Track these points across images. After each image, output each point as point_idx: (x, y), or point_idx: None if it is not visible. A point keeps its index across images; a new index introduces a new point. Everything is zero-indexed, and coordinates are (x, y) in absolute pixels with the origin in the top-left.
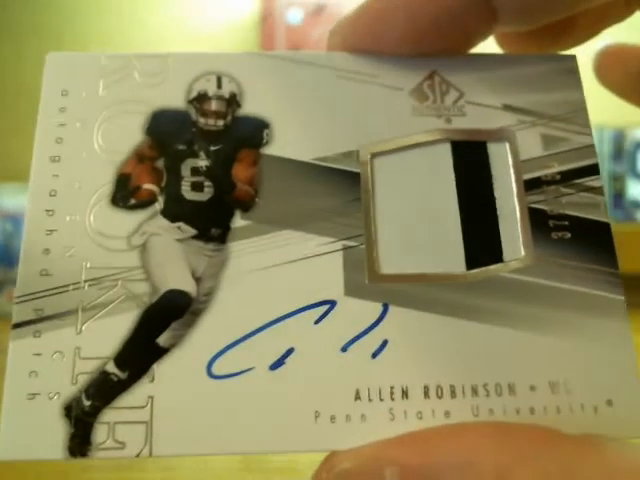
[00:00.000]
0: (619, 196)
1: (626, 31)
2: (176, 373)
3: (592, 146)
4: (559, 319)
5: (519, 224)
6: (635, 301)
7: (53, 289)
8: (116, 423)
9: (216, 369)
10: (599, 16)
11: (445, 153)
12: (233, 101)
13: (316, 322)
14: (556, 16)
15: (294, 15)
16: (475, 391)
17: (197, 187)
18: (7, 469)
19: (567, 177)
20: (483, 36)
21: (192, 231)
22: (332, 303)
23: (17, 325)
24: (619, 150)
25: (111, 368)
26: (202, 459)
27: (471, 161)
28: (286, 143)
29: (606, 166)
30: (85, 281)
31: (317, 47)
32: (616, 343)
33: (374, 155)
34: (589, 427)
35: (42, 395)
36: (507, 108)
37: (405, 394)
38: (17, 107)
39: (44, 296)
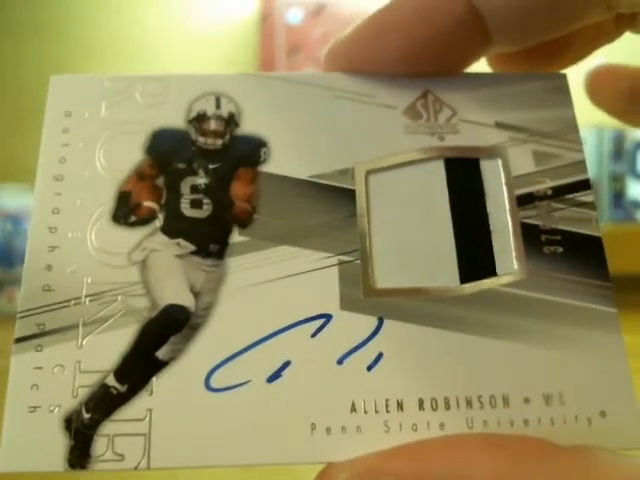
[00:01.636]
0: (619, 196)
1: (616, 52)
2: (175, 386)
3: (583, 162)
4: (552, 332)
5: (512, 239)
6: (635, 301)
7: (55, 304)
8: (115, 436)
9: (214, 382)
10: (589, 37)
11: (438, 170)
12: (231, 121)
13: (312, 335)
14: (548, 36)
15: (294, 15)
16: (469, 403)
17: (196, 204)
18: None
19: (559, 192)
20: (476, 56)
21: (191, 247)
22: (328, 317)
23: (19, 340)
24: (619, 150)
25: (111, 381)
26: None
27: (464, 178)
28: (283, 161)
29: (606, 166)
30: (86, 296)
31: (317, 47)
32: (609, 355)
33: (369, 172)
34: (583, 438)
35: (43, 408)
36: (499, 126)
37: (400, 406)
38: (17, 107)
39: (46, 311)
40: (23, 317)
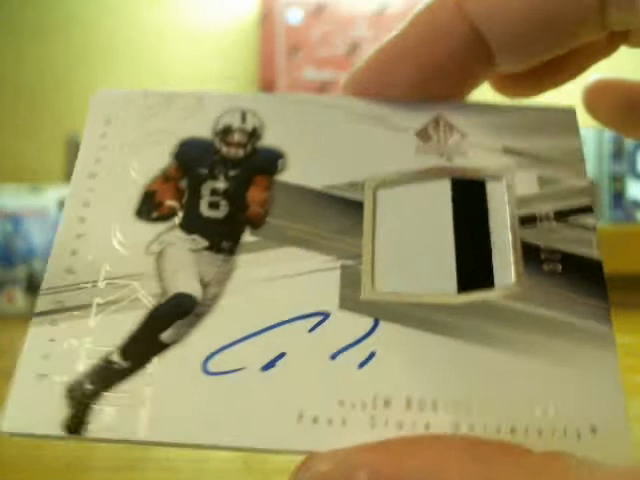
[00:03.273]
0: (619, 196)
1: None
2: (174, 367)
3: (587, 188)
4: (545, 345)
5: (511, 254)
6: (635, 301)
7: (74, 285)
8: (113, 407)
9: (211, 366)
10: (586, 54)
11: (444, 188)
12: (254, 134)
13: (310, 330)
14: (547, 55)
15: (294, 15)
16: (457, 407)
17: (214, 205)
18: (8, 470)
19: (561, 215)
20: (482, 78)
21: (205, 243)
22: (326, 315)
23: (38, 314)
24: (619, 150)
25: (115, 357)
26: (202, 459)
27: (469, 196)
28: (298, 172)
29: (606, 166)
30: (103, 280)
31: (317, 47)
32: (603, 373)
33: (378, 186)
34: (570, 451)
35: (50, 376)
36: (507, 151)
37: (387, 404)
38: (17, 107)
39: (65, 290)
40: (45, 294)
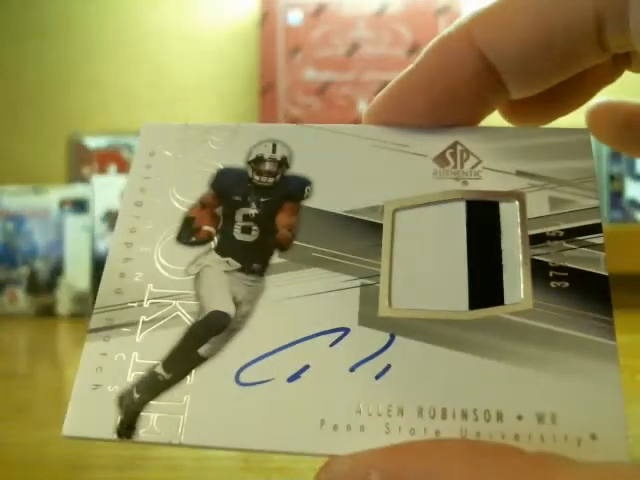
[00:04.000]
0: (617, 196)
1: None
2: (210, 378)
3: (597, 208)
4: (553, 358)
5: (521, 272)
6: (633, 301)
7: (122, 304)
8: (157, 414)
9: (243, 377)
10: (592, 80)
11: (460, 210)
12: (283, 163)
13: (331, 345)
14: (553, 78)
15: (294, 16)
16: (465, 415)
17: (246, 230)
18: (8, 470)
19: (570, 234)
20: (494, 104)
21: (237, 265)
22: (346, 330)
23: (92, 330)
24: (617, 151)
25: (159, 370)
26: (203, 458)
27: (482, 217)
28: (323, 198)
29: (605, 166)
30: (147, 299)
31: (317, 48)
32: (606, 384)
33: (396, 210)
34: (570, 456)
35: (103, 386)
36: (520, 174)
37: (401, 412)
38: (19, 108)
39: (115, 309)
40: (97, 313)
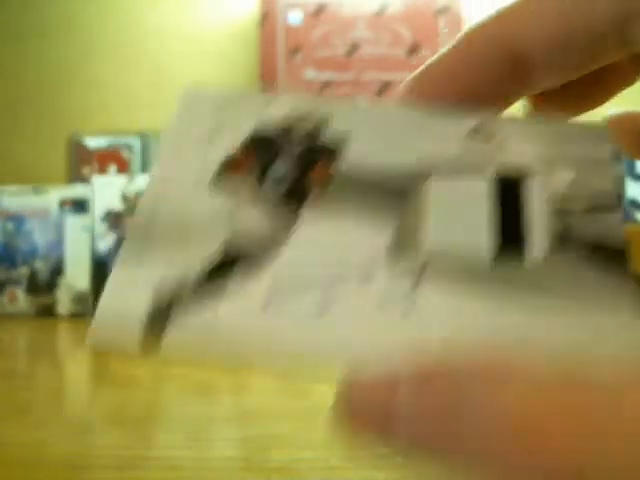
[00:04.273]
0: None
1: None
2: (239, 302)
3: (615, 191)
4: (571, 306)
5: (543, 236)
6: None
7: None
8: (185, 326)
9: (273, 305)
10: (611, 81)
11: (485, 181)
12: (320, 122)
13: (361, 283)
14: (577, 69)
15: (294, 16)
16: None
17: (279, 181)
18: (8, 469)
19: (590, 211)
20: (516, 96)
21: (274, 205)
22: (376, 269)
23: (126, 249)
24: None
25: (193, 290)
26: (204, 457)
27: (508, 189)
28: (357, 154)
29: None
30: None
31: (317, 48)
32: (626, 335)
33: (429, 173)
34: None
35: (137, 286)
36: (543, 155)
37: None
38: (19, 108)
39: (152, 230)
40: (133, 232)
